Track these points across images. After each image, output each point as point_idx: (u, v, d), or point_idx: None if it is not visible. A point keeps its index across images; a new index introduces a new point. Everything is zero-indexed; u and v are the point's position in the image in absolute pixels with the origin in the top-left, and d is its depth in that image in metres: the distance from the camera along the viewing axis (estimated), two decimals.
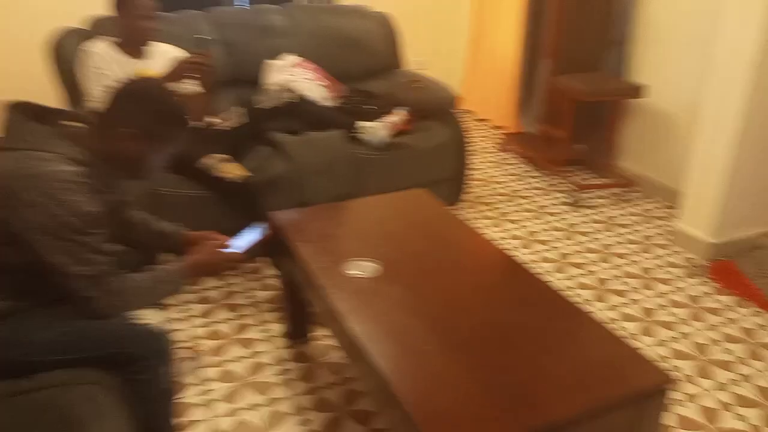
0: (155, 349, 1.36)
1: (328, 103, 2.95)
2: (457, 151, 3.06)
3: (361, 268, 1.70)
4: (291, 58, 2.98)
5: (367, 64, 3.26)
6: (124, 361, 1.33)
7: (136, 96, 1.38)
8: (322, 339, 2.19)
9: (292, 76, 2.90)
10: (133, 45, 2.43)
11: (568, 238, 2.98)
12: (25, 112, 1.33)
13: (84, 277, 1.28)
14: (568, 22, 3.73)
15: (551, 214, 3.25)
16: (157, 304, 1.51)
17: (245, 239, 1.66)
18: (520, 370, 1.32)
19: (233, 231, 2.45)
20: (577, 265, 2.74)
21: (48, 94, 2.77)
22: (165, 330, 1.40)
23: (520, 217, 3.21)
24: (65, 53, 2.61)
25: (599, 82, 3.41)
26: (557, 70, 3.74)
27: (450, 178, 3.12)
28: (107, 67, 2.38)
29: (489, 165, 3.91)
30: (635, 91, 3.28)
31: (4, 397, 1.27)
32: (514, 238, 2.98)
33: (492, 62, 4.48)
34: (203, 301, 2.41)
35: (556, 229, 3.08)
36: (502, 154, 4.14)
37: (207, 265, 1.56)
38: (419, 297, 1.59)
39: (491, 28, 4.44)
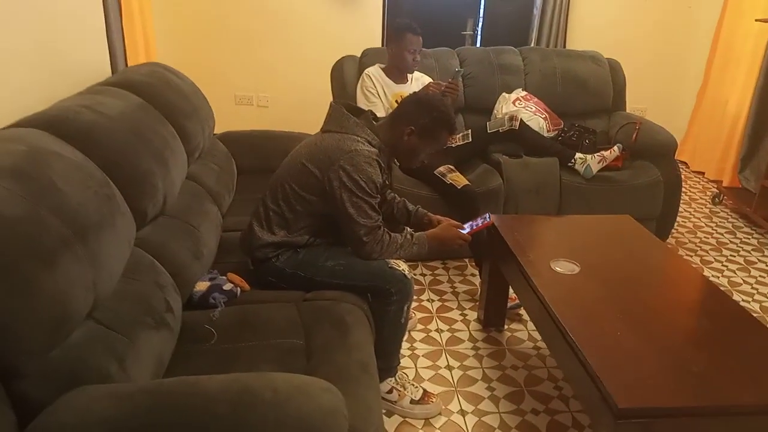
0: (403, 290, 1.83)
1: (546, 134, 3.29)
2: (666, 193, 3.18)
3: (564, 267, 2.01)
4: (518, 92, 3.39)
5: (587, 103, 3.54)
6: (379, 293, 1.82)
7: (421, 102, 1.89)
8: (514, 332, 2.52)
9: (517, 107, 3.31)
10: (398, 72, 3.03)
11: None
12: (342, 107, 1.90)
13: (364, 227, 1.80)
14: None
15: (761, 270, 3.18)
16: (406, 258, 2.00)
17: (473, 225, 2.08)
18: (704, 362, 1.50)
19: None
20: None
21: (321, 107, 3.57)
22: (410, 276, 1.86)
23: (723, 267, 3.20)
24: (340, 75, 3.33)
25: None
26: None
27: (655, 218, 3.24)
28: (374, 87, 3.01)
29: (699, 215, 3.89)
30: None
31: (298, 300, 1.82)
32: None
33: (718, 114, 4.43)
34: (415, 283, 2.88)
35: (763, 284, 3.02)
36: (714, 207, 4.08)
37: (444, 238, 2.01)
38: (614, 294, 1.85)
39: (723, 79, 4.41)
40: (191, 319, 1.69)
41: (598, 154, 3.11)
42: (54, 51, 2.18)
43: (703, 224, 3.77)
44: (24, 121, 1.55)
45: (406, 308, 1.86)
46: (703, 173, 4.70)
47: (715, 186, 4.46)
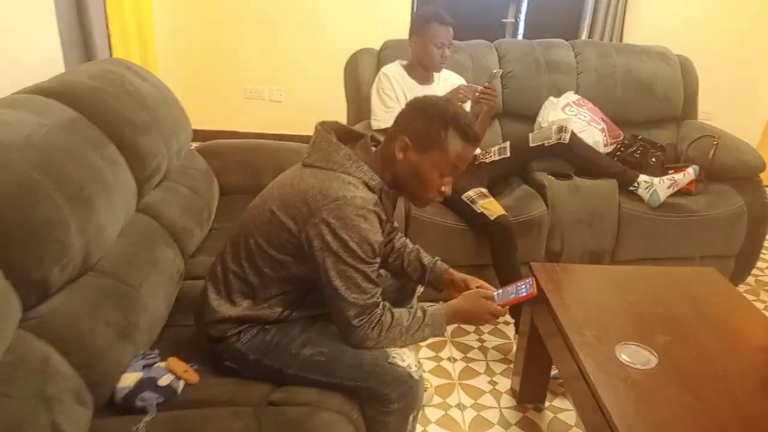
0: (407, 395, 1.30)
1: (602, 148, 2.69)
2: (751, 224, 2.57)
3: (635, 356, 1.45)
4: (569, 96, 2.80)
5: (653, 110, 2.92)
6: (374, 396, 1.30)
7: (413, 103, 1.36)
8: (557, 411, 1.97)
9: (567, 114, 2.72)
10: (423, 71, 2.48)
11: None
12: (332, 131, 1.37)
13: (354, 306, 1.27)
14: None
15: None
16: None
17: (509, 294, 1.52)
18: None
19: (481, 268, 2.41)
20: None
21: (341, 106, 3.05)
22: (419, 375, 1.33)
23: None
24: (354, 72, 2.79)
25: None
26: None
27: (733, 256, 2.63)
28: (393, 89, 2.46)
29: None
30: None
31: (261, 404, 1.31)
32: None
33: None
34: (437, 370, 2.29)
35: None
36: None
37: (470, 315, 1.47)
38: (708, 407, 1.29)
39: None
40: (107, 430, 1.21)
41: (667, 177, 2.50)
42: None
43: None
44: None
45: (411, 419, 1.34)
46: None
47: None
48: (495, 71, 2.46)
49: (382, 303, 1.32)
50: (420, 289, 1.67)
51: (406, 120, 1.35)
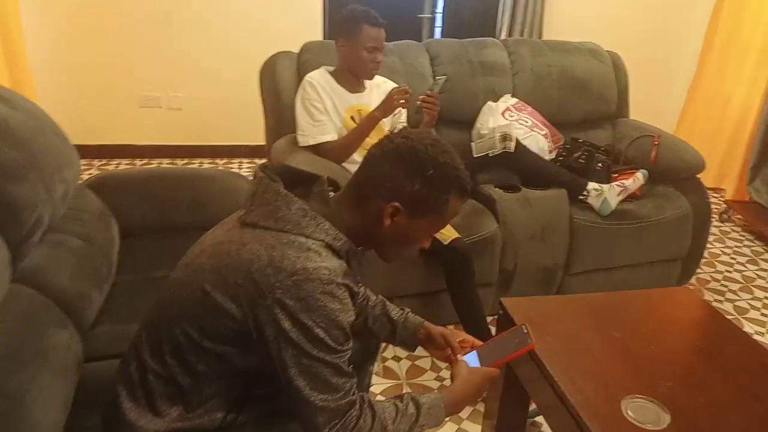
0: None
1: (547, 155, 2.53)
2: (696, 227, 2.51)
3: (645, 414, 1.26)
4: (507, 99, 2.61)
5: (589, 110, 2.81)
6: None
7: (402, 154, 1.03)
8: None
9: (507, 119, 2.53)
10: (353, 78, 2.19)
11: None
12: (277, 177, 1.05)
13: (322, 410, 0.97)
14: None
15: None
16: None
17: (499, 350, 1.27)
18: None
19: (434, 295, 2.18)
20: None
21: (252, 113, 2.69)
22: None
23: (764, 317, 2.57)
24: (272, 79, 2.45)
25: None
26: None
27: (680, 259, 2.57)
28: (321, 100, 2.16)
29: (710, 238, 3.26)
30: None
31: None
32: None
33: (717, 112, 3.81)
34: (387, 373, 2.09)
35: None
36: (720, 224, 3.48)
37: (475, 397, 1.19)
38: None
39: (723, 73, 3.78)
40: None
41: (617, 183, 2.38)
42: None
43: (718, 251, 3.15)
44: None
45: None
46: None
47: (717, 195, 3.89)
48: (439, 78, 2.22)
49: (358, 400, 1.02)
50: (409, 398, 1.38)
51: (393, 179, 1.03)
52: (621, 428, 1.22)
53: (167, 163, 3.91)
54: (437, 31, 4.16)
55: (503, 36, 3.90)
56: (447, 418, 1.25)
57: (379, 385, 2.00)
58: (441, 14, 4.08)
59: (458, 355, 1.26)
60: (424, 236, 1.10)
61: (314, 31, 3.79)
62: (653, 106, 4.07)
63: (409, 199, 1.03)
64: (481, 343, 1.32)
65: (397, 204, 1.03)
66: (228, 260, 0.98)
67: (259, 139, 2.67)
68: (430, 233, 1.11)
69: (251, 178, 1.08)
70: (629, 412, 1.26)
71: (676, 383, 1.37)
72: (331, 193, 1.11)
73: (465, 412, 1.92)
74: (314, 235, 0.99)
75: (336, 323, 0.95)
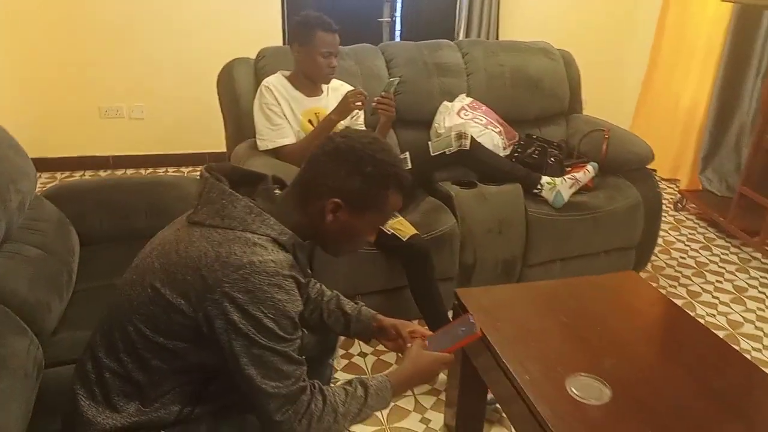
0: None
1: (501, 151, 2.61)
2: (648, 215, 2.61)
3: (588, 390, 1.33)
4: (462, 99, 2.69)
5: (542, 107, 2.89)
6: None
7: (341, 151, 1.09)
8: None
9: (463, 118, 2.60)
10: (309, 82, 2.23)
11: None
12: (223, 177, 1.10)
13: (275, 397, 1.01)
14: None
15: (756, 299, 2.69)
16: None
17: (448, 338, 1.33)
18: None
19: (395, 291, 2.24)
20: None
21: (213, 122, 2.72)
22: None
23: (714, 299, 2.68)
24: (230, 85, 2.48)
25: None
26: None
27: (633, 247, 2.67)
28: (278, 104, 2.20)
29: (665, 226, 3.38)
30: None
31: None
32: (716, 327, 2.46)
33: (670, 106, 3.95)
34: (349, 368, 2.13)
35: (765, 319, 2.53)
36: (675, 213, 3.61)
37: (423, 377, 1.25)
38: None
39: (674, 68, 3.92)
40: None
41: (569, 176, 2.47)
42: None
43: (673, 239, 3.27)
44: None
45: None
46: (654, 171, 4.23)
47: (671, 185, 4.03)
48: (392, 79, 2.27)
49: (309, 386, 1.07)
50: (357, 382, 1.42)
51: (334, 177, 1.08)
52: (565, 405, 1.29)
53: (131, 173, 3.90)
54: (397, 35, 4.23)
55: (461, 38, 3.98)
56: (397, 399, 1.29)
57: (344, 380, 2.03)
58: (400, 18, 4.15)
59: (408, 345, 1.31)
60: (367, 231, 1.16)
61: (275, 37, 3.82)
62: (610, 102, 4.21)
63: (350, 196, 1.09)
64: (431, 333, 1.37)
65: (338, 200, 1.08)
66: (176, 258, 1.02)
67: (223, 146, 2.70)
68: (372, 228, 1.16)
69: (198, 178, 1.12)
70: (573, 389, 1.33)
71: (618, 361, 1.44)
72: (279, 191, 1.15)
73: (428, 402, 1.98)
74: (260, 230, 1.04)
75: (284, 313, 1.00)
